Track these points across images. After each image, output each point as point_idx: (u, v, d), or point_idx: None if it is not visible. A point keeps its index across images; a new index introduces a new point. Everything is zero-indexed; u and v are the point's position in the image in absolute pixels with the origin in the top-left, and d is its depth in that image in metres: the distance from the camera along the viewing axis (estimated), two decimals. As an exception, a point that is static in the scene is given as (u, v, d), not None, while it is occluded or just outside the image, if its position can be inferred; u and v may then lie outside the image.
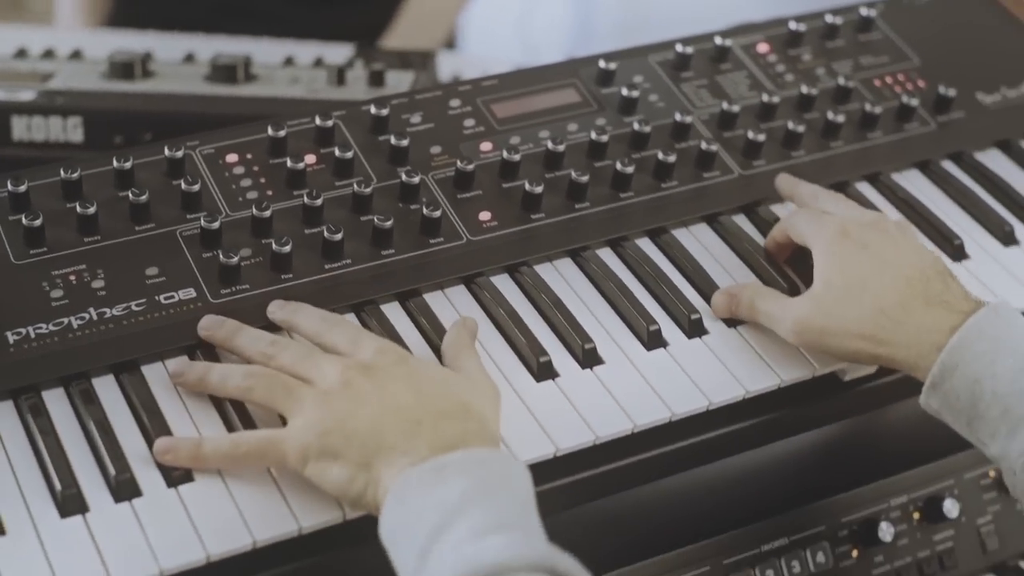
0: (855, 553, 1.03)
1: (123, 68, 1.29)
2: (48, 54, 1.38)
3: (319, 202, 0.99)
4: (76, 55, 1.38)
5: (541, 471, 0.87)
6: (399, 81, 1.30)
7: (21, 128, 1.25)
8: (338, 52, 1.43)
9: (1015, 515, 1.07)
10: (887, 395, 1.00)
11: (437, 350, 0.93)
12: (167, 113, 1.23)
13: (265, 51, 1.42)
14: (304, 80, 1.29)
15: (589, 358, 0.94)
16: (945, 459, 1.07)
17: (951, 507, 1.05)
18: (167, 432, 0.87)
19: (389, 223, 0.98)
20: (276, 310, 0.93)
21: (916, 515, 1.05)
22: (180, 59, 1.36)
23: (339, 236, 0.97)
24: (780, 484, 1.02)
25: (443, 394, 0.84)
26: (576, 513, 0.92)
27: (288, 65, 1.35)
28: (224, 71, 1.28)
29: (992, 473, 1.07)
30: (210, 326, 0.91)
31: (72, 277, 0.94)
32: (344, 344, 0.88)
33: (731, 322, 0.98)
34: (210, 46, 1.44)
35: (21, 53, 1.39)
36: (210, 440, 0.85)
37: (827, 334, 0.92)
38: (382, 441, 0.80)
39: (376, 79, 1.28)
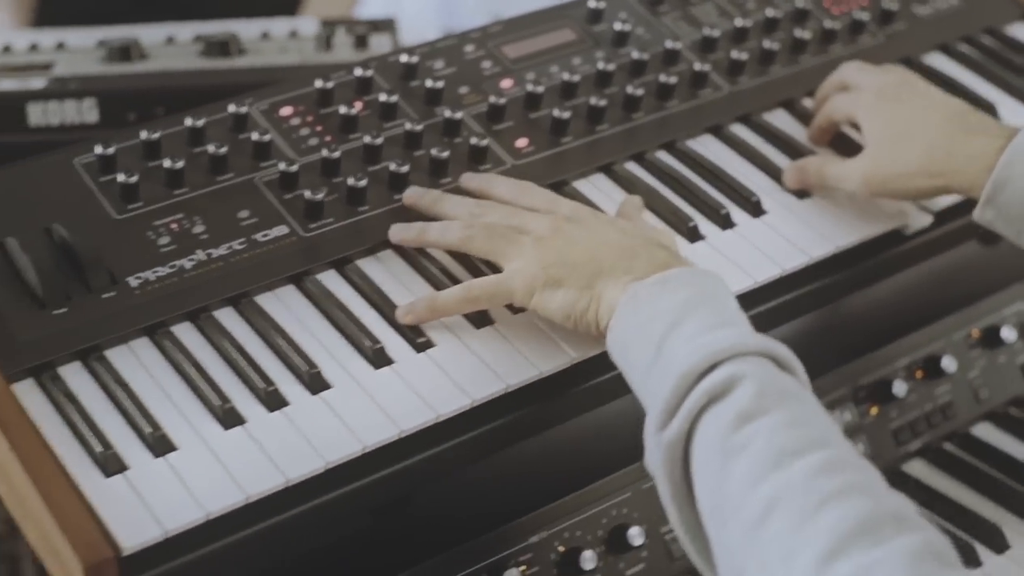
0: (874, 411, 1.17)
1: (120, 51, 1.37)
2: (33, 48, 1.45)
3: (380, 141, 1.09)
4: (61, 46, 1.45)
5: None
6: (380, 43, 1.40)
7: (37, 114, 1.33)
8: (308, 25, 1.52)
9: (999, 368, 1.22)
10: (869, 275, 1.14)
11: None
12: (177, 88, 1.32)
13: (240, 28, 1.51)
14: (292, 49, 1.39)
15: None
16: (933, 324, 1.21)
17: (949, 363, 1.19)
18: (286, 345, 0.96)
19: (445, 154, 1.09)
20: (470, 179, 1.04)
21: (919, 374, 1.19)
22: (163, 41, 1.44)
23: (405, 168, 1.07)
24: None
25: (643, 232, 0.97)
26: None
27: (267, 39, 1.44)
28: (218, 46, 1.37)
29: (975, 333, 1.22)
30: (414, 196, 1.03)
31: (174, 226, 1.03)
32: (542, 203, 1.00)
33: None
34: (159, 32, 1.50)
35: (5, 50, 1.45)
36: (443, 292, 0.96)
37: (891, 180, 1.06)
38: (601, 266, 0.92)
39: (361, 42, 1.39)
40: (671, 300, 0.88)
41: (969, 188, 1.05)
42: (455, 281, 1.00)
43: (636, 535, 1.05)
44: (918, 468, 1.18)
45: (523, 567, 1.01)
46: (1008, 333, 1.21)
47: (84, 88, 1.32)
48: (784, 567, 0.73)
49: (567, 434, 1.04)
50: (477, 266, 1.02)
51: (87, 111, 1.32)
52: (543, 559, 1.03)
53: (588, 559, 1.03)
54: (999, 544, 1.11)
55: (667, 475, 0.83)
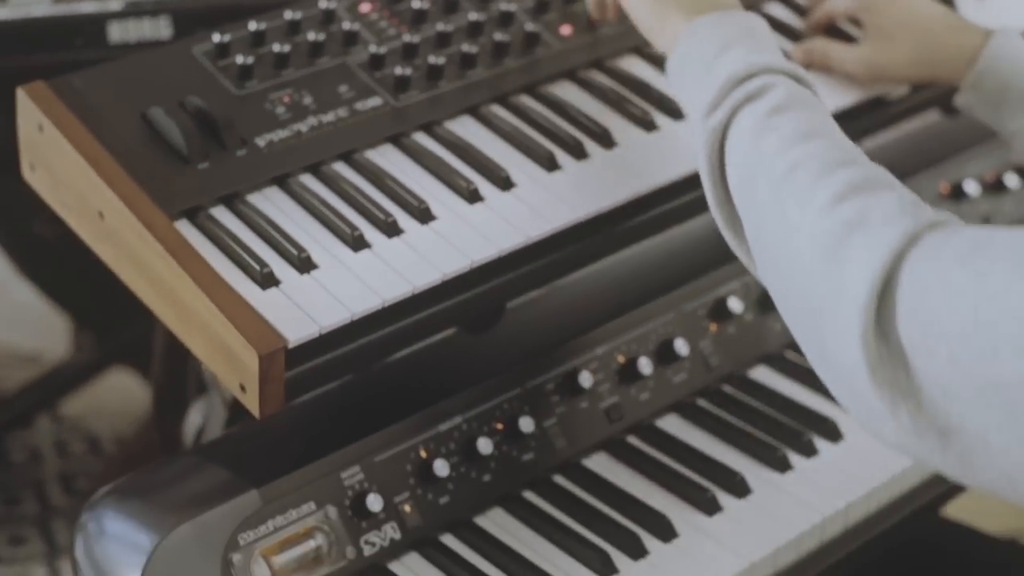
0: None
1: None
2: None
3: (451, 28, 1.29)
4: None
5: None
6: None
7: (116, 32, 1.51)
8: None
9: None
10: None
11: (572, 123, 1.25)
12: (241, 4, 1.51)
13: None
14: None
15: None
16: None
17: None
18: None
19: (507, 38, 1.29)
20: None
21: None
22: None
23: (475, 49, 1.27)
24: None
25: None
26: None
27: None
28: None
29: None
30: None
31: (286, 99, 1.22)
32: None
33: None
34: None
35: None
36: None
37: (887, 68, 1.28)
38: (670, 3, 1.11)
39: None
40: (726, 30, 1.08)
41: (953, 79, 1.27)
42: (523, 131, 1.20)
43: (681, 346, 1.26)
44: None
45: (591, 372, 1.22)
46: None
47: (158, 7, 1.50)
48: (800, 211, 0.93)
49: (620, 265, 1.25)
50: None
51: (162, 28, 1.50)
52: (607, 367, 1.23)
53: (644, 365, 1.24)
54: (782, 465, 1.24)
55: (707, 156, 1.04)
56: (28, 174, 1.22)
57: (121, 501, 1.10)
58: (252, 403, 1.05)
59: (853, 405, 0.92)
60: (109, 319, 2.30)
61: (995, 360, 0.82)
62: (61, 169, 1.17)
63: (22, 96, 1.18)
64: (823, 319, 0.91)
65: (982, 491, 0.89)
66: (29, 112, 1.18)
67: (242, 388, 1.06)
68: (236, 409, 1.38)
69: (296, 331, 1.05)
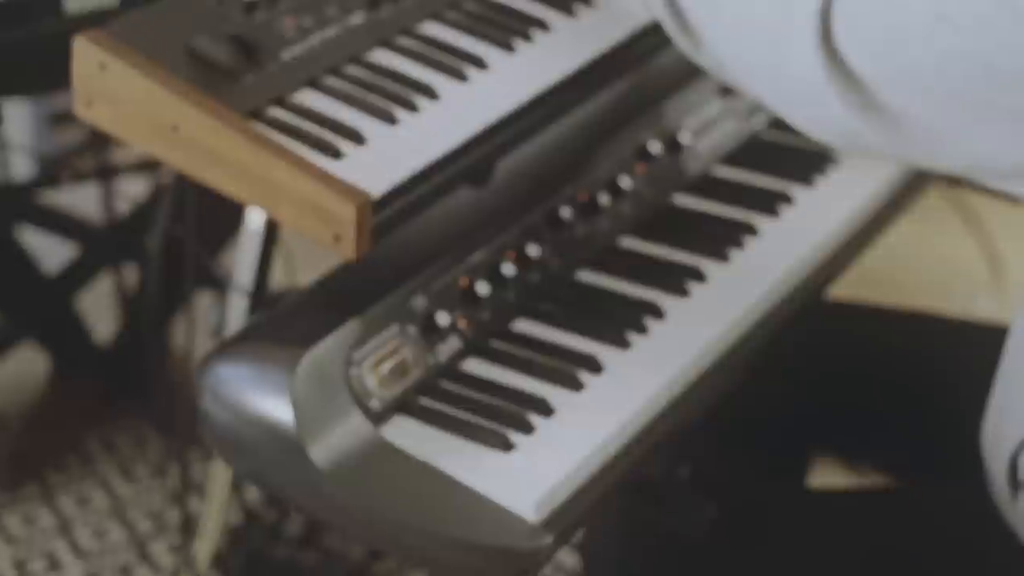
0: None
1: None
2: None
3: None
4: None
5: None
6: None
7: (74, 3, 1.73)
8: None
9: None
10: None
11: None
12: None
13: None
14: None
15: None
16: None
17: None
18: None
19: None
20: None
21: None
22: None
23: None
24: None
25: None
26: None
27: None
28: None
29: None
30: None
31: (290, 22, 1.49)
32: None
33: None
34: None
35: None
36: None
37: None
38: None
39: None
40: None
41: None
42: None
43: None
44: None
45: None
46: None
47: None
48: None
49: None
50: None
51: (112, -3, 1.74)
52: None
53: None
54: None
55: None
56: (84, 111, 1.45)
57: (240, 353, 1.36)
58: (348, 249, 1.32)
59: (809, 112, 1.27)
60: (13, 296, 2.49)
61: (907, 48, 1.17)
62: (127, 98, 1.41)
63: (80, 42, 1.42)
64: (780, 48, 1.24)
65: (911, 162, 1.25)
66: (89, 55, 1.41)
67: (336, 239, 1.33)
68: (256, 298, 1.65)
69: (374, 187, 1.33)
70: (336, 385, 1.32)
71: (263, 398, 1.32)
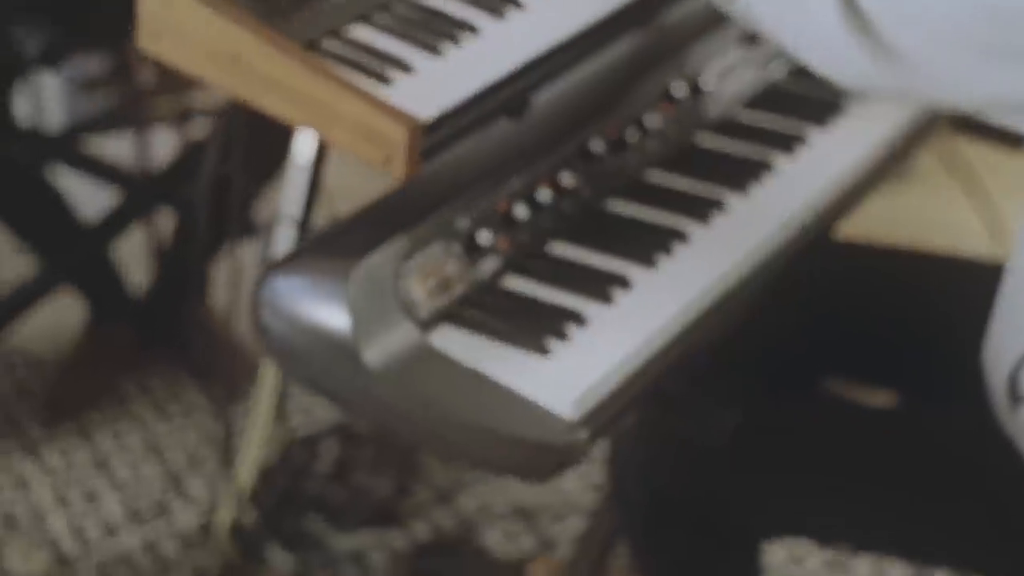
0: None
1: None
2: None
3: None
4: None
5: None
6: None
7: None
8: None
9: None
10: None
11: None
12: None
13: None
14: None
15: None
16: None
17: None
18: None
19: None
20: None
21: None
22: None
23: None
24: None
25: None
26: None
27: None
28: None
29: None
30: None
31: (343, -38, 1.59)
32: None
33: None
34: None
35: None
36: None
37: None
38: None
39: None
40: None
41: None
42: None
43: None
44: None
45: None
46: None
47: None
48: None
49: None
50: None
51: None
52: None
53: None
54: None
55: None
56: (150, 45, 1.55)
57: (297, 267, 1.47)
58: (398, 170, 1.43)
59: (825, 55, 1.38)
60: (53, 242, 2.60)
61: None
62: (191, 30, 1.51)
63: (146, -23, 1.52)
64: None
65: (921, 101, 1.36)
66: (156, -10, 1.52)
67: (386, 160, 1.43)
68: (303, 228, 1.75)
69: (422, 112, 1.44)
70: (386, 295, 1.42)
71: (320, 307, 1.42)
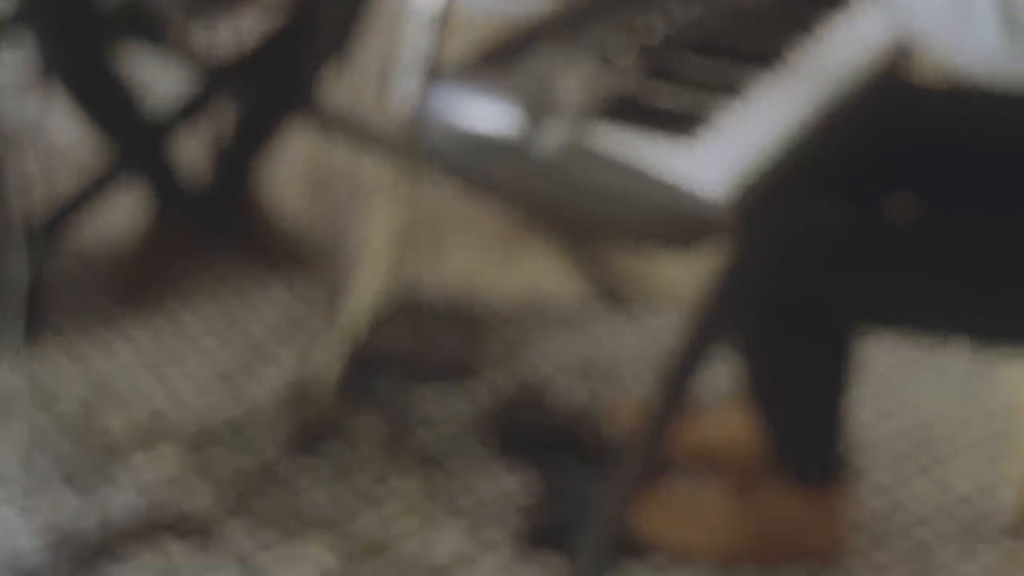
0: None
1: None
2: None
3: None
4: None
5: None
6: None
7: None
8: None
9: None
10: None
11: None
12: None
13: None
14: None
15: None
16: None
17: None
18: None
19: None
20: None
21: None
22: None
23: None
24: None
25: None
26: None
27: None
28: None
29: None
30: None
31: None
32: None
33: None
34: None
35: None
36: None
37: None
38: None
39: None
40: None
41: None
42: None
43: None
44: None
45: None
46: None
47: None
48: None
49: None
50: None
51: None
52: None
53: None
54: None
55: None
56: None
57: (459, 75, 1.64)
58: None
59: (983, 63, 1.59)
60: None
61: None
62: None
63: None
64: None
65: None
66: None
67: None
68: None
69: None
70: (544, 96, 1.60)
71: (488, 109, 1.59)
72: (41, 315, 2.53)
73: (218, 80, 2.75)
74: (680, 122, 1.62)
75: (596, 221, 1.65)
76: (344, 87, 2.69)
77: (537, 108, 1.57)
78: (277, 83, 2.66)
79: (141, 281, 2.74)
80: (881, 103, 1.87)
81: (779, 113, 1.68)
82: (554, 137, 1.57)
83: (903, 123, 1.97)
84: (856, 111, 1.78)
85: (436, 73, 1.67)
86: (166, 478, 2.28)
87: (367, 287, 2.27)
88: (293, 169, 2.88)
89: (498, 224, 2.84)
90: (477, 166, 1.61)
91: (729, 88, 1.69)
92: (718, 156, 1.59)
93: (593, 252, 2.73)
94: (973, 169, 1.90)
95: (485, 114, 1.59)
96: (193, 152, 2.84)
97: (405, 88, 2.04)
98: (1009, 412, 2.41)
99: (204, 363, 2.54)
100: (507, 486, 2.27)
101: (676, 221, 1.55)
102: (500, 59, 1.65)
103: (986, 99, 1.95)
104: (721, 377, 2.24)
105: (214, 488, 2.25)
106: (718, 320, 1.85)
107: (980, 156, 1.90)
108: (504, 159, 1.58)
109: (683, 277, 2.39)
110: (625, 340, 2.58)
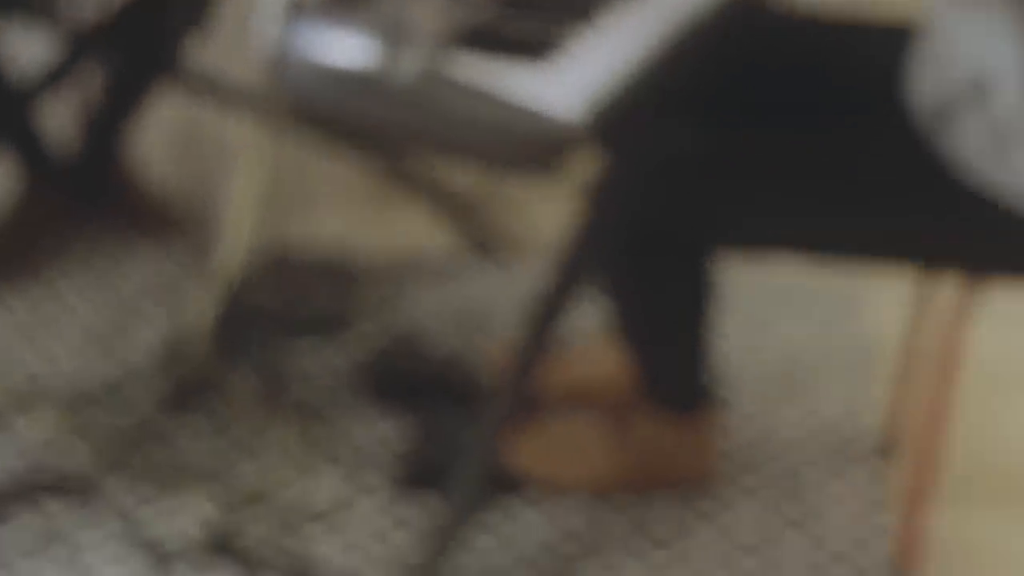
0: None
1: None
2: None
3: None
4: None
5: None
6: None
7: None
8: None
9: None
10: None
11: None
12: None
13: None
14: None
15: None
16: None
17: None
18: None
19: None
20: None
21: None
22: None
23: None
24: None
25: None
26: None
27: None
28: None
29: None
30: None
31: None
32: None
33: None
34: None
35: None
36: None
37: None
38: None
39: None
40: None
41: None
42: None
43: None
44: None
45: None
46: None
47: None
48: None
49: None
50: None
51: None
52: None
53: None
54: None
55: None
56: None
57: (317, 12, 1.66)
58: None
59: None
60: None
61: None
62: None
63: None
64: None
65: None
66: None
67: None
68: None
69: None
70: (400, 26, 1.63)
71: (343, 40, 1.62)
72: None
73: (84, 46, 2.75)
74: (534, 49, 1.66)
75: (456, 149, 1.68)
76: (209, 50, 2.70)
77: (393, 39, 1.60)
78: (142, 48, 2.65)
79: (14, 250, 2.73)
80: (730, 27, 1.92)
81: (631, 38, 1.73)
82: (411, 66, 1.60)
83: (752, 46, 2.02)
84: (706, 35, 1.83)
85: (295, 13, 1.69)
86: (44, 440, 2.28)
87: (235, 245, 2.29)
88: (161, 133, 2.88)
89: (368, 182, 2.86)
90: (338, 101, 1.64)
91: (582, 15, 1.72)
92: (572, 80, 1.63)
93: (463, 206, 2.77)
94: (814, 90, 1.96)
95: (343, 48, 1.62)
96: (60, 119, 2.83)
97: (265, 31, 2.07)
98: (873, 338, 2.48)
99: (79, 327, 2.55)
100: (383, 432, 2.30)
101: (533, 143, 1.59)
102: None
103: (829, 25, 2.02)
104: (590, 317, 2.29)
105: (93, 447, 2.26)
106: (582, 260, 1.89)
107: (821, 77, 1.96)
108: (364, 91, 1.61)
109: (551, 227, 2.43)
110: (496, 290, 2.61)
